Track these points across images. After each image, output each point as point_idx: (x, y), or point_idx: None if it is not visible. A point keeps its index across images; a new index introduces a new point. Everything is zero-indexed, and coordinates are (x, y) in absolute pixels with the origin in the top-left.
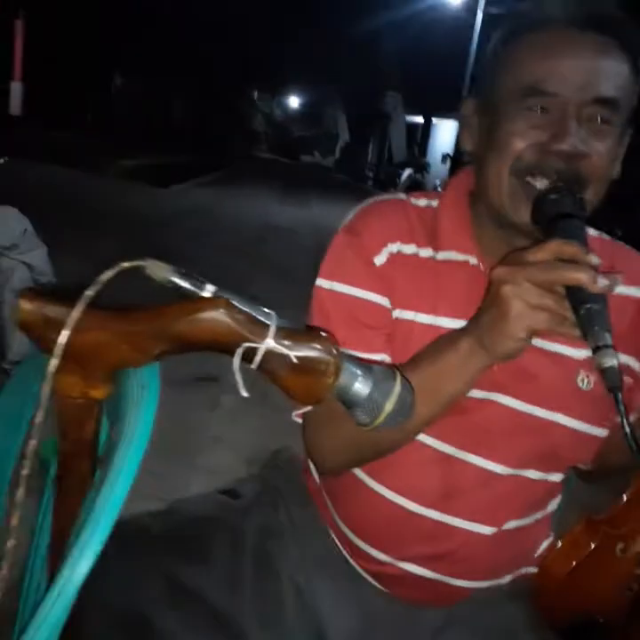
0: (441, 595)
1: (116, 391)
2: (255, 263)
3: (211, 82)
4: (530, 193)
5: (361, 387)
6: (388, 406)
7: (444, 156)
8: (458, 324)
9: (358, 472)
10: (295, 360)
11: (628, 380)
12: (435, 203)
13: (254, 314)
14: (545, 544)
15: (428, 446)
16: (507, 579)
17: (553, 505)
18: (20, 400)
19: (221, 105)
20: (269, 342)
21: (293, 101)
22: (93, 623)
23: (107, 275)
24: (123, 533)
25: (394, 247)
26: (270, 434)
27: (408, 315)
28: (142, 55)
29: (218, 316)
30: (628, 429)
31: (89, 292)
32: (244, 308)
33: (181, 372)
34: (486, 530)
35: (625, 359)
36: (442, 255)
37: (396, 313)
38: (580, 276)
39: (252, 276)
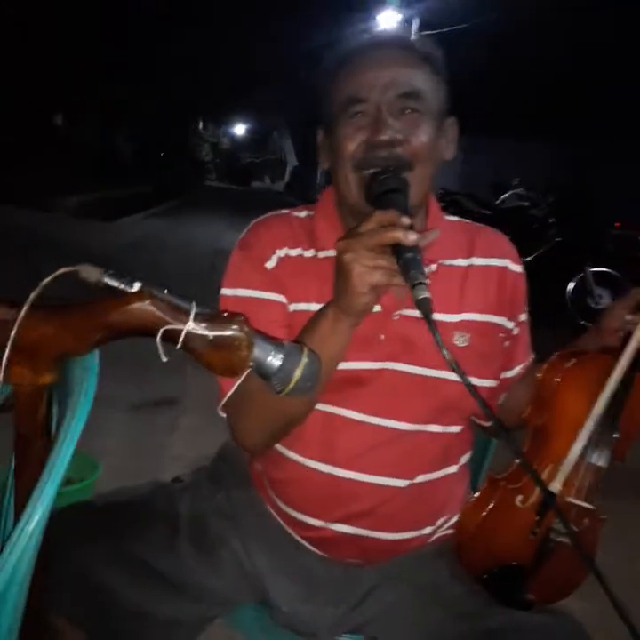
0: (372, 551)
1: (62, 376)
2: (207, 288)
3: (155, 115)
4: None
5: (273, 359)
6: (298, 373)
7: None
8: None
9: (280, 448)
10: (212, 338)
11: (506, 342)
12: (312, 213)
13: (176, 303)
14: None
15: (336, 415)
16: (427, 530)
17: (464, 459)
18: None
19: (167, 137)
20: (190, 324)
21: (239, 129)
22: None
23: (47, 280)
24: (75, 510)
25: (282, 252)
26: None
27: (302, 306)
28: (84, 94)
29: (144, 306)
30: (446, 355)
31: (33, 294)
32: (167, 297)
33: (139, 397)
34: (400, 483)
35: (498, 320)
36: (322, 254)
37: (292, 307)
38: (396, 235)
39: (205, 300)
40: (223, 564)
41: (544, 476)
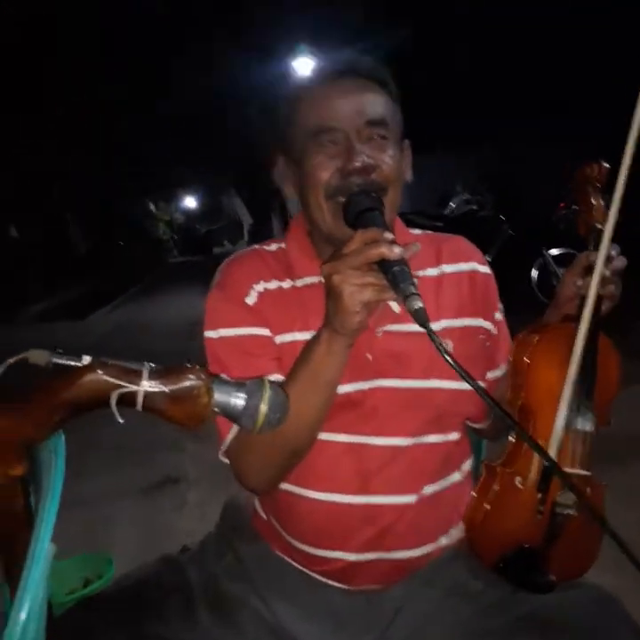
0: (392, 572)
1: (32, 464)
2: (188, 355)
3: (105, 207)
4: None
5: (235, 399)
6: (263, 408)
7: None
8: None
9: (287, 486)
10: (169, 392)
11: (487, 342)
12: (283, 245)
13: (129, 366)
14: None
15: (336, 442)
16: (443, 541)
17: (466, 465)
18: None
19: (120, 225)
20: (144, 384)
21: (190, 202)
22: None
23: None
24: (86, 606)
25: (259, 287)
26: None
27: (288, 337)
28: (33, 202)
29: (96, 376)
30: (446, 356)
31: None
32: (118, 363)
33: (143, 480)
34: (408, 499)
35: (475, 322)
36: (300, 282)
37: (278, 339)
38: (381, 250)
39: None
40: (245, 625)
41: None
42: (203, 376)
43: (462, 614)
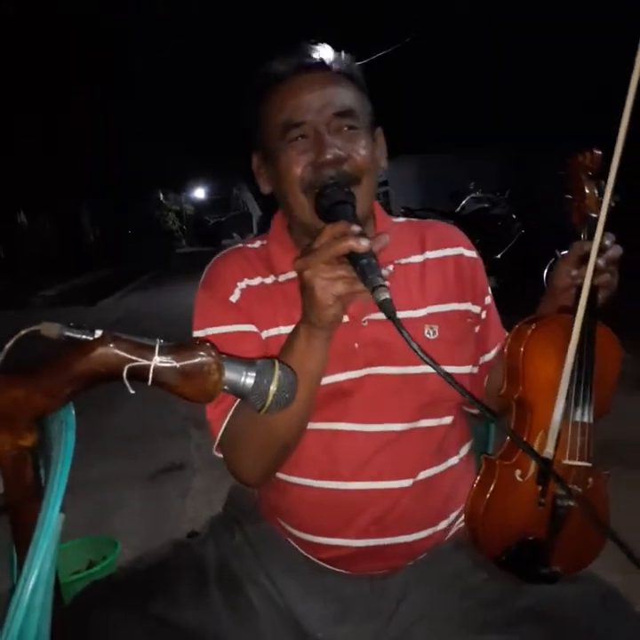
0: (392, 557)
1: (43, 435)
2: None
3: (116, 195)
4: None
5: (246, 378)
6: (273, 388)
7: None
8: None
9: (283, 476)
10: (180, 368)
11: (476, 327)
12: (265, 242)
13: (140, 341)
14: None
15: (330, 430)
16: (442, 525)
17: (464, 450)
18: None
19: (130, 214)
20: (156, 359)
21: (200, 193)
22: None
23: (10, 344)
24: (98, 586)
25: (242, 284)
26: None
27: (273, 332)
28: (44, 189)
29: (108, 350)
30: (416, 348)
31: None
32: (130, 338)
33: (149, 467)
34: (404, 483)
35: (462, 306)
36: (282, 277)
37: (264, 334)
38: (349, 244)
39: None
40: (254, 606)
41: (536, 444)
42: (213, 353)
43: (464, 606)
